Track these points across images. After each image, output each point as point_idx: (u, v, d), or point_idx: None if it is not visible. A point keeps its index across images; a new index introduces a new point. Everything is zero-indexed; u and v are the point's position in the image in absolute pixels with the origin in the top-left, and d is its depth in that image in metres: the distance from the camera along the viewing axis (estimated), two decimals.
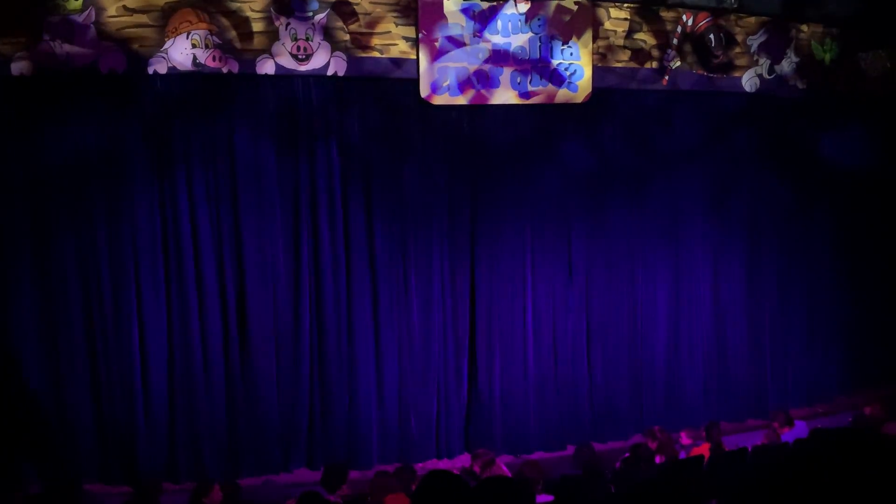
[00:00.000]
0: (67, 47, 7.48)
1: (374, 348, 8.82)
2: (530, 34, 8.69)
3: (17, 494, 7.11)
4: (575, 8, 8.76)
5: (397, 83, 8.54)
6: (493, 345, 9.20)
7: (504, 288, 9.28)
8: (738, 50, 9.54)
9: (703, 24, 9.06)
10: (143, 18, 7.68)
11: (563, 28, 8.76)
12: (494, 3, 8.53)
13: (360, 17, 8.22)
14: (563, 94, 8.90)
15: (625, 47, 9.10)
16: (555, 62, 8.79)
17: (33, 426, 7.73)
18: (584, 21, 8.81)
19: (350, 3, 8.17)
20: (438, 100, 8.55)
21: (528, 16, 8.67)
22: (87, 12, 7.51)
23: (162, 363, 8.16)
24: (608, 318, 9.67)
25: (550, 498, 6.05)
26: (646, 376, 9.79)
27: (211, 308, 8.27)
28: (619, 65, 9.13)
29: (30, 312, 7.86)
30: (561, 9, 8.73)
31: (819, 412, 10.23)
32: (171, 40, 7.76)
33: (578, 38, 8.81)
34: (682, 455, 7.79)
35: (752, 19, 9.55)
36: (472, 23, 8.51)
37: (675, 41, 9.13)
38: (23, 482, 7.53)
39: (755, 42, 9.61)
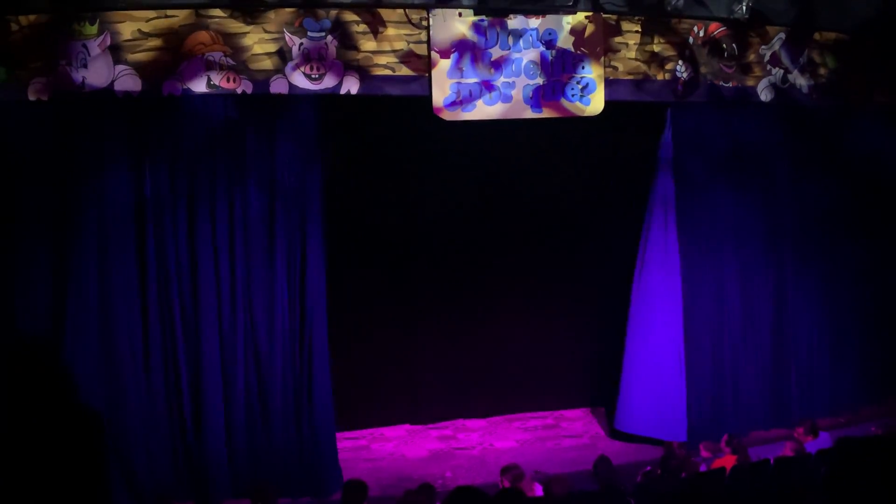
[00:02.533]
0: (83, 71, 7.59)
1: None
2: (541, 48, 8.71)
3: None
4: (587, 22, 8.77)
5: (410, 100, 8.59)
6: None
7: None
8: (751, 59, 9.52)
9: (715, 34, 9.06)
10: (158, 42, 7.77)
11: (574, 42, 8.77)
12: (505, 19, 8.56)
13: (373, 35, 8.27)
14: (576, 108, 8.89)
15: (637, 59, 9.10)
16: (567, 76, 8.80)
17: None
18: (595, 34, 8.81)
19: (362, 23, 8.23)
20: (451, 116, 8.56)
21: (540, 30, 8.69)
22: (102, 37, 7.62)
23: None
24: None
25: None
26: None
27: None
28: (632, 77, 9.12)
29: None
30: (573, 22, 8.73)
31: (842, 422, 10.13)
32: (186, 62, 7.84)
33: (590, 51, 8.82)
34: (703, 468, 7.71)
35: (766, 29, 9.52)
36: (484, 39, 8.53)
37: (687, 52, 9.12)
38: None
39: (768, 52, 9.58)
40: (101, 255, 8.10)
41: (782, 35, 9.56)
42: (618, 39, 8.97)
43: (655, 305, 9.81)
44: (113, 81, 7.69)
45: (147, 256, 8.23)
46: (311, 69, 8.11)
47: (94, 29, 7.60)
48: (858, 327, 10.67)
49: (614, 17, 8.92)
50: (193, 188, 8.37)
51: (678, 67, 9.19)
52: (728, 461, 7.72)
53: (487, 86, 8.60)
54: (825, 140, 10.22)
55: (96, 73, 7.63)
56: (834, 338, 10.60)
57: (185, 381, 8.34)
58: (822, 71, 9.80)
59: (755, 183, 10.07)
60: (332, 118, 8.75)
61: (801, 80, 9.74)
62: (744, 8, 8.87)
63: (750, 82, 9.58)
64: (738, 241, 10.05)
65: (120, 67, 7.69)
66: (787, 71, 9.67)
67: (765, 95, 9.64)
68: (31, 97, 7.55)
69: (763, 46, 9.53)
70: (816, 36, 9.73)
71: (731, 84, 9.47)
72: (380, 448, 9.98)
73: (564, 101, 8.84)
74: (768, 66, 9.61)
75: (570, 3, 8.51)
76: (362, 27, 8.21)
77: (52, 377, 3.53)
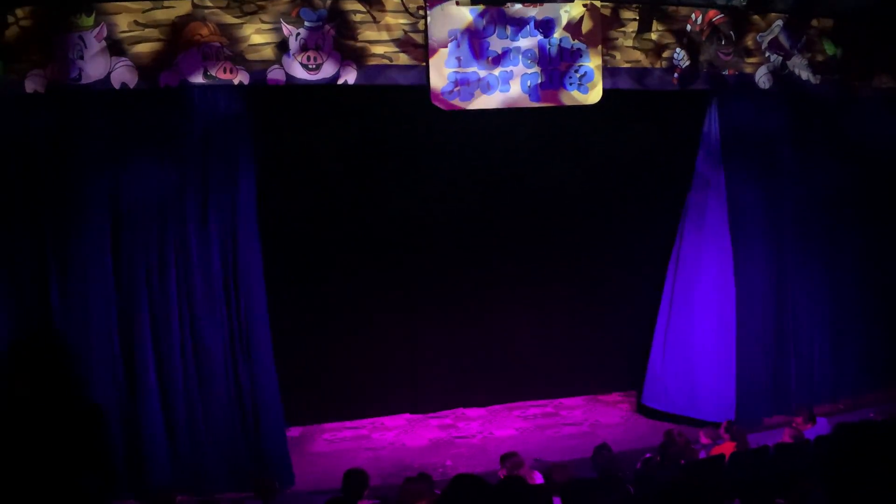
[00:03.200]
0: (80, 63, 7.57)
1: None
2: (540, 37, 8.69)
3: None
4: (584, 10, 8.75)
5: (408, 90, 8.57)
6: None
7: None
8: (750, 46, 9.50)
9: (713, 21, 9.04)
10: (155, 33, 7.76)
11: (572, 30, 8.75)
12: (503, 7, 8.53)
13: (370, 25, 8.25)
14: (574, 97, 8.88)
15: (635, 48, 9.08)
16: (564, 64, 8.78)
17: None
18: (593, 23, 8.79)
19: (360, 12, 8.20)
20: (449, 105, 8.55)
21: (538, 19, 8.66)
22: (98, 28, 7.61)
23: None
24: None
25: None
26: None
27: None
28: (629, 65, 9.11)
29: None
30: (571, 11, 8.71)
31: (840, 408, 10.17)
32: (183, 53, 7.82)
33: (588, 40, 8.79)
34: (703, 455, 7.74)
35: (764, 15, 9.49)
36: (482, 27, 8.51)
37: (685, 40, 9.10)
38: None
39: (766, 38, 9.56)
40: (75, 248, 7.99)
41: (780, 21, 9.54)
42: (616, 28, 8.95)
43: (694, 291, 9.96)
44: (110, 73, 7.67)
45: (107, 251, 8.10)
46: (309, 59, 8.09)
47: (90, 21, 7.58)
48: (862, 314, 10.71)
49: (612, 5, 8.90)
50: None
51: (676, 55, 9.17)
52: (727, 448, 7.75)
53: (486, 75, 8.58)
54: (833, 126, 10.24)
55: (93, 65, 7.62)
56: (836, 324, 10.65)
57: (122, 372, 8.13)
58: (820, 57, 9.78)
59: (772, 168, 10.11)
60: (345, 104, 8.81)
61: (800, 67, 9.73)
62: None
63: (748, 69, 9.57)
64: (774, 227, 10.15)
65: (116, 59, 7.68)
66: (785, 58, 9.65)
67: (763, 83, 9.63)
68: (28, 90, 7.53)
69: (761, 33, 9.52)
70: (814, 22, 9.71)
71: (729, 72, 9.46)
72: (380, 437, 10.01)
73: (563, 91, 8.82)
74: (767, 53, 9.59)
75: None
76: (360, 16, 8.19)
77: (49, 369, 3.53)
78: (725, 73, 9.43)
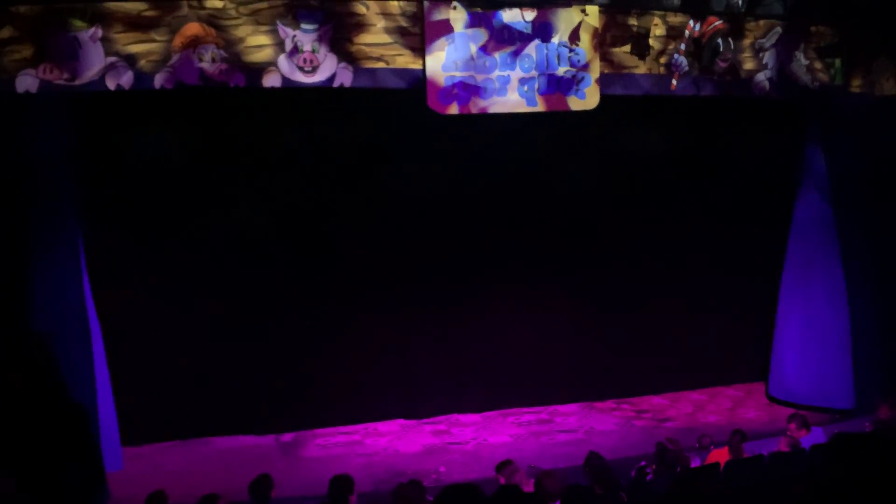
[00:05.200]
0: (74, 63, 7.52)
1: None
2: (537, 42, 8.66)
3: None
4: (582, 15, 8.72)
5: (404, 93, 8.54)
6: None
7: None
8: (746, 53, 9.48)
9: (710, 28, 9.02)
10: (150, 34, 7.70)
11: (570, 35, 8.73)
12: (501, 12, 8.51)
13: (367, 28, 8.21)
14: (571, 102, 8.84)
15: (632, 53, 9.04)
16: (562, 70, 8.75)
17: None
18: (590, 28, 8.77)
19: (356, 15, 8.16)
20: (446, 109, 8.51)
21: (535, 24, 8.64)
22: (93, 29, 7.55)
23: None
24: None
25: None
26: None
27: None
28: (627, 71, 9.08)
29: None
30: (568, 17, 8.69)
31: (836, 418, 10.13)
32: (178, 55, 7.77)
33: (585, 45, 8.77)
34: (697, 462, 7.69)
35: (761, 23, 9.48)
36: (479, 32, 8.48)
37: (682, 46, 9.09)
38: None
39: (764, 45, 9.54)
40: None
41: (778, 29, 9.53)
42: (613, 33, 8.92)
43: (808, 290, 10.77)
44: (104, 74, 7.62)
45: None
46: (304, 61, 8.05)
47: (85, 20, 7.51)
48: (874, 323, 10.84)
49: (609, 10, 8.86)
50: None
51: (673, 61, 9.14)
52: (722, 456, 7.71)
53: (483, 80, 8.55)
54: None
55: (87, 65, 7.56)
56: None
57: None
58: (818, 65, 9.77)
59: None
60: (342, 107, 8.87)
61: (797, 74, 9.71)
62: (740, 1, 8.84)
63: (745, 77, 9.55)
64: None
65: (111, 59, 7.62)
66: (783, 65, 9.64)
67: (759, 90, 9.61)
68: (20, 90, 7.47)
69: (759, 40, 9.50)
70: (812, 29, 9.69)
71: (727, 79, 9.44)
72: (374, 443, 9.96)
73: (560, 96, 8.79)
74: (764, 61, 9.57)
75: None
76: (356, 19, 8.14)
77: (35, 369, 3.53)
78: (723, 79, 9.40)
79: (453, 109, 8.54)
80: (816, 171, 10.61)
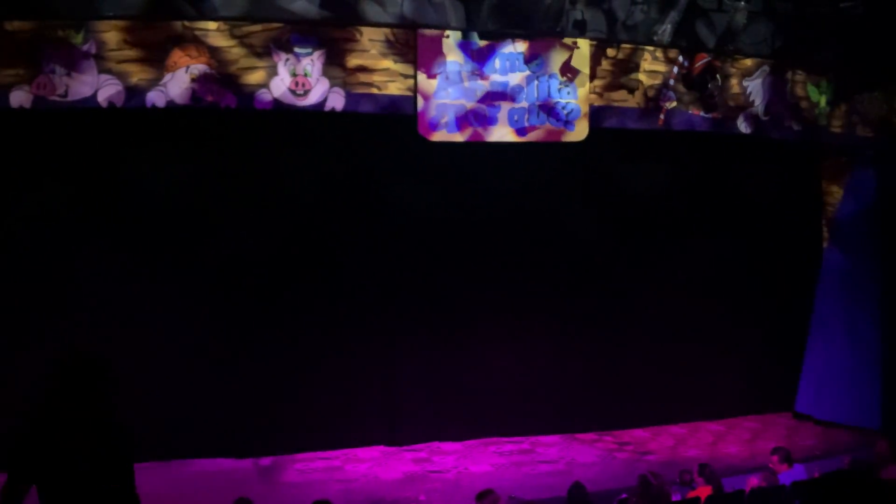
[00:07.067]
0: (67, 79, 7.52)
1: None
2: (528, 73, 8.75)
3: None
4: (573, 48, 8.83)
5: (395, 119, 8.60)
6: None
7: None
8: (734, 91, 9.61)
9: (699, 64, 9.15)
10: (144, 52, 7.72)
11: (560, 67, 8.83)
12: (493, 42, 8.60)
13: (359, 53, 8.27)
14: (560, 133, 8.93)
15: (622, 87, 9.15)
16: (552, 101, 8.84)
17: None
18: (581, 60, 8.87)
19: (349, 40, 8.23)
20: (436, 136, 8.58)
21: (527, 55, 8.74)
22: (87, 45, 7.56)
23: None
24: None
25: None
26: None
27: None
28: (616, 104, 9.18)
29: None
30: (559, 48, 8.80)
31: (817, 454, 10.14)
32: (171, 74, 7.80)
33: (576, 77, 8.87)
34: (678, 497, 7.67)
35: (749, 61, 9.62)
36: (471, 61, 8.56)
37: (671, 81, 9.20)
38: None
39: (751, 83, 9.67)
40: None
41: (766, 68, 9.67)
42: (603, 66, 9.03)
43: (839, 316, 11.33)
44: (97, 91, 7.63)
45: None
46: (297, 85, 8.09)
47: (79, 37, 7.54)
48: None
49: (600, 44, 8.98)
50: None
51: (662, 96, 9.25)
52: (703, 492, 7.69)
53: (474, 108, 8.62)
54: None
55: (80, 81, 7.58)
56: None
57: None
58: (805, 104, 9.91)
59: None
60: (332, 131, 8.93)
61: (782, 114, 9.84)
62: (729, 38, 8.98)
63: (731, 114, 9.67)
64: None
65: (104, 77, 7.64)
66: (768, 104, 9.76)
67: (744, 128, 9.73)
68: (14, 104, 7.46)
69: (746, 78, 9.63)
70: (800, 70, 9.85)
71: (711, 115, 9.55)
72: (353, 469, 9.88)
73: (549, 126, 8.88)
74: (751, 98, 9.70)
75: (558, 29, 8.56)
76: (349, 45, 8.21)
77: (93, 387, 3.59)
78: (708, 115, 9.50)
79: (443, 136, 8.60)
80: (860, 191, 11.07)
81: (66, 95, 7.55)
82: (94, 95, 7.62)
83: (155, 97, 7.77)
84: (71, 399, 3.51)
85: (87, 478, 3.45)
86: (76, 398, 3.52)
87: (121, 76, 7.69)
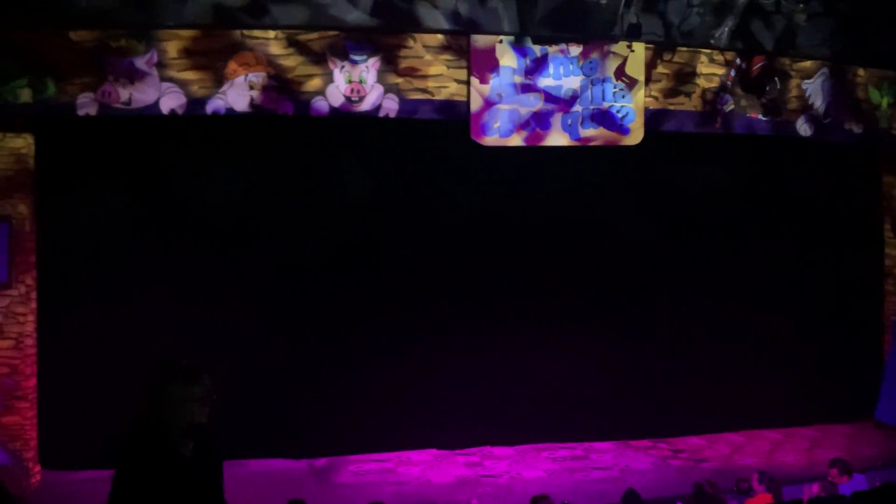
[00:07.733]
0: (130, 88, 7.73)
1: None
2: (582, 77, 8.72)
3: None
4: (627, 52, 8.78)
5: (448, 124, 8.65)
6: None
7: None
8: (793, 93, 9.45)
9: (757, 67, 9.02)
10: (203, 61, 7.91)
11: (615, 71, 8.78)
12: (547, 47, 8.60)
13: (413, 60, 8.35)
14: (615, 137, 8.88)
15: (678, 90, 9.07)
16: (606, 105, 8.80)
17: None
18: (637, 64, 8.81)
19: (403, 47, 8.31)
20: (489, 141, 8.60)
21: (581, 59, 8.71)
22: (149, 55, 7.77)
23: None
24: None
25: None
26: None
27: None
28: (673, 108, 9.10)
29: None
30: (613, 52, 8.76)
31: (878, 465, 9.91)
32: (230, 82, 7.96)
33: (630, 80, 8.82)
34: None
35: (808, 63, 9.46)
36: (524, 65, 8.57)
37: (728, 84, 9.09)
38: None
39: (810, 86, 9.51)
40: None
41: (825, 70, 9.49)
42: (659, 69, 8.95)
43: None
44: (159, 99, 7.83)
45: None
46: (352, 91, 8.20)
47: (141, 46, 7.75)
48: None
49: (655, 47, 8.91)
50: None
51: (720, 99, 9.15)
52: (762, 499, 7.58)
53: (526, 113, 8.62)
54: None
55: (143, 90, 7.78)
56: None
57: None
58: (866, 106, 9.71)
59: None
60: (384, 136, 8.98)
61: (843, 116, 9.65)
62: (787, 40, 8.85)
63: (790, 117, 9.51)
64: None
65: (166, 85, 7.83)
66: (828, 106, 9.58)
67: (804, 131, 9.56)
68: (80, 112, 7.70)
69: (806, 80, 9.47)
70: (860, 71, 9.65)
71: (770, 118, 9.41)
72: (406, 472, 9.92)
73: (604, 130, 8.84)
74: (810, 101, 9.54)
75: (612, 33, 8.53)
76: (403, 51, 8.29)
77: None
78: (767, 118, 9.36)
79: (495, 141, 8.62)
80: None
81: (129, 103, 7.76)
82: (157, 103, 7.82)
83: (215, 105, 7.94)
84: (168, 408, 3.50)
85: (184, 490, 3.44)
86: (172, 407, 3.51)
87: (182, 84, 7.88)
